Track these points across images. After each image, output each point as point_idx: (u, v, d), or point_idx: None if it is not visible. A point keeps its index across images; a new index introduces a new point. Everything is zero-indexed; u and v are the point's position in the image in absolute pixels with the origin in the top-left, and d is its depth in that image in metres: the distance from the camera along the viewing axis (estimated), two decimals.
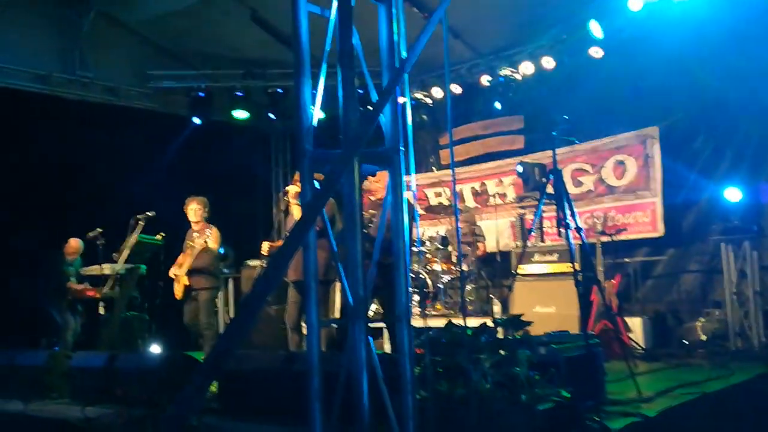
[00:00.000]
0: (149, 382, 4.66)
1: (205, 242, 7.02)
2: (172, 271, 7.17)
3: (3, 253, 8.70)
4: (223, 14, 9.53)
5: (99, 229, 8.11)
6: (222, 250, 11.18)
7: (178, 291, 7.08)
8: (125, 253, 7.59)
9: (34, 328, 8.71)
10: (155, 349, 7.77)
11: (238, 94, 10.81)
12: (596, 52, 8.89)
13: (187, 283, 7.00)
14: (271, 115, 11.06)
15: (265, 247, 6.71)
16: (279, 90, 10.75)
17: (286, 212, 6.71)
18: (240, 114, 10.96)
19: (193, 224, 7.25)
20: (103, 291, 8.01)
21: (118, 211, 8.28)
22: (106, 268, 7.96)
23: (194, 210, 7.23)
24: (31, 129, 9.01)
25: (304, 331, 6.29)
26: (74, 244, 8.55)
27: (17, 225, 8.92)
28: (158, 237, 7.90)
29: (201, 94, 10.68)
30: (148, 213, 7.70)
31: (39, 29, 9.63)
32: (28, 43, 9.52)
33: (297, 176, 6.53)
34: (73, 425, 4.67)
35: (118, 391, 4.23)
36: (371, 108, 2.90)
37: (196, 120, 10.80)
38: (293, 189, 6.29)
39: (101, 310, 8.19)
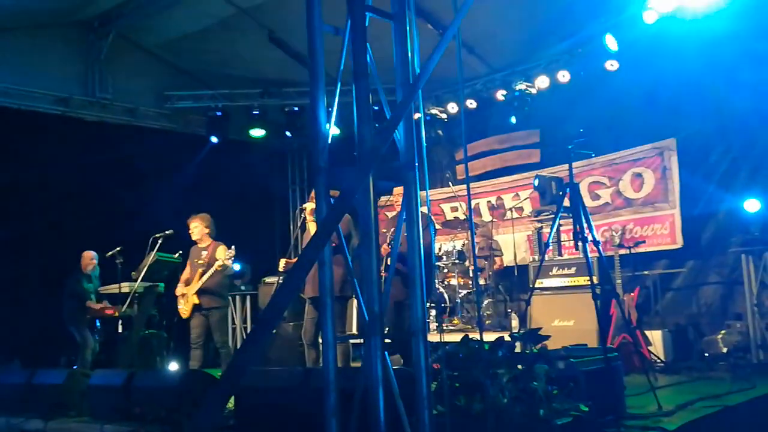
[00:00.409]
0: (167, 400, 4.67)
1: (223, 261, 6.94)
2: (179, 290, 7.13)
3: (22, 273, 8.82)
4: (240, 35, 9.65)
5: (118, 248, 8.19)
6: (240, 267, 11.28)
7: (186, 310, 7.01)
8: (143, 271, 7.65)
9: (53, 346, 8.80)
10: (173, 366, 7.80)
11: (255, 113, 10.92)
12: (611, 65, 8.89)
13: (197, 302, 6.95)
14: (288, 133, 11.14)
15: (282, 263, 6.72)
16: (295, 108, 10.85)
17: (303, 229, 6.72)
18: (257, 132, 11.07)
19: (198, 242, 7.22)
20: (122, 309, 8.07)
21: (136, 230, 8.35)
22: (125, 287, 8.02)
23: (196, 227, 7.17)
24: (51, 150, 9.14)
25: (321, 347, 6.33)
26: (88, 255, 8.66)
27: (37, 245, 9.04)
28: (176, 256, 7.95)
29: (218, 113, 10.81)
30: (166, 232, 7.76)
31: (60, 52, 9.81)
32: (49, 66, 9.70)
33: (314, 193, 6.56)
34: None
35: (137, 409, 4.25)
36: (386, 124, 2.93)
37: (214, 139, 10.91)
38: (310, 206, 6.31)
39: (120, 329, 8.24)
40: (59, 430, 5.19)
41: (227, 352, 7.02)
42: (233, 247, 7.06)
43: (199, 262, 7.03)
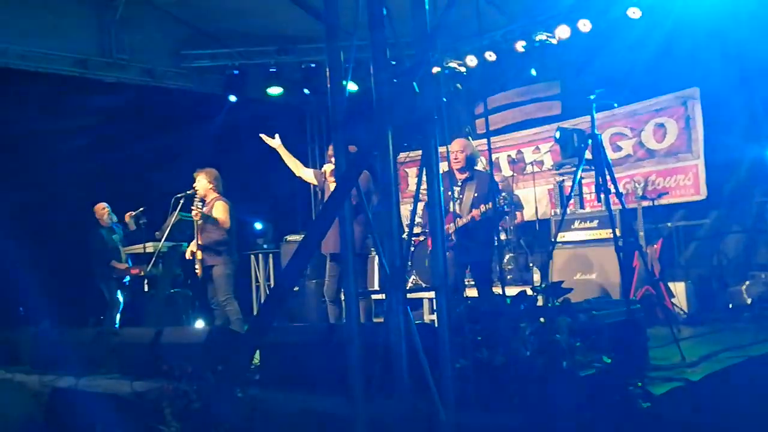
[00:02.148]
0: (194, 356, 4.74)
1: (210, 213, 6.79)
2: (189, 250, 7.12)
3: (45, 234, 8.95)
4: None
5: (141, 208, 8.25)
6: (261, 226, 11.35)
7: (199, 268, 6.99)
8: (167, 231, 7.71)
9: (81, 306, 8.96)
10: (199, 324, 7.92)
11: (272, 70, 10.85)
12: (634, 13, 8.69)
13: (201, 257, 6.89)
14: (306, 91, 11.07)
15: None
16: (312, 65, 10.75)
17: (323, 190, 6.71)
18: (274, 90, 11.01)
19: (203, 197, 7.10)
20: (147, 269, 8.16)
21: (158, 191, 8.41)
22: (149, 247, 8.10)
23: (200, 182, 7.08)
24: (71, 112, 9.17)
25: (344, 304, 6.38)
26: (99, 207, 8.86)
27: (58, 207, 9.14)
28: None
29: (235, 71, 10.76)
30: (188, 191, 7.78)
31: (75, 14, 9.76)
32: (65, 28, 9.66)
33: (330, 150, 6.54)
34: (124, 399, 4.80)
35: (164, 365, 4.32)
36: (402, 78, 2.90)
37: (232, 98, 10.88)
38: (329, 167, 6.29)
39: (146, 288, 8.36)
40: (90, 386, 5.29)
41: (233, 309, 6.91)
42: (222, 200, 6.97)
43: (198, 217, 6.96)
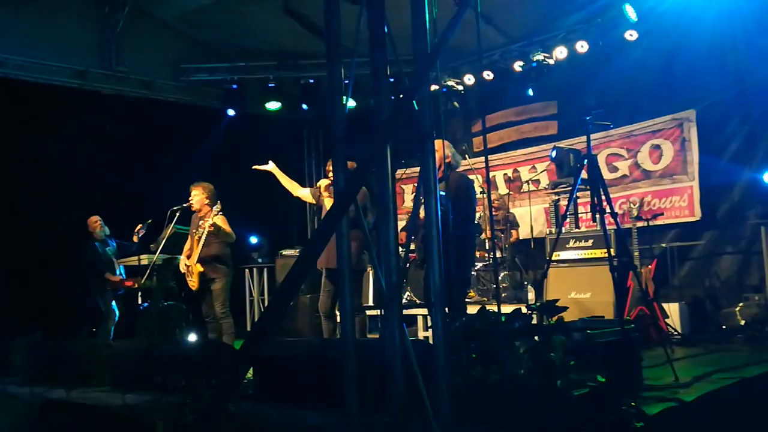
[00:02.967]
0: (187, 370, 4.73)
1: (213, 222, 6.81)
2: (182, 264, 7.12)
3: (41, 245, 8.93)
4: (255, 6, 9.60)
5: (149, 220, 8.19)
6: (257, 240, 11.33)
7: (193, 282, 7.00)
8: (162, 244, 7.70)
9: (74, 317, 8.94)
10: (192, 337, 7.89)
11: (271, 85, 10.90)
12: (631, 35, 8.77)
13: (202, 270, 6.93)
14: (304, 106, 11.11)
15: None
16: (311, 81, 10.80)
17: (318, 206, 6.72)
18: (272, 105, 11.06)
19: (197, 212, 7.16)
20: (141, 281, 8.15)
21: (154, 203, 8.40)
22: (144, 259, 8.09)
23: (196, 196, 7.09)
24: (69, 123, 9.18)
25: (338, 319, 6.37)
26: (92, 219, 8.82)
27: (54, 218, 9.13)
28: None
29: (234, 86, 10.80)
30: (183, 204, 7.79)
31: (76, 25, 9.82)
32: (65, 40, 9.71)
33: (329, 165, 6.56)
34: (114, 412, 4.77)
35: (157, 378, 4.31)
36: (402, 96, 2.92)
37: (231, 111, 10.92)
38: (324, 182, 6.33)
39: (139, 300, 8.34)
40: (82, 398, 5.27)
41: (229, 323, 6.97)
42: (218, 202, 6.98)
43: (197, 231, 7.01)
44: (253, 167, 6.85)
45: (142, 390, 4.95)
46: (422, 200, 5.66)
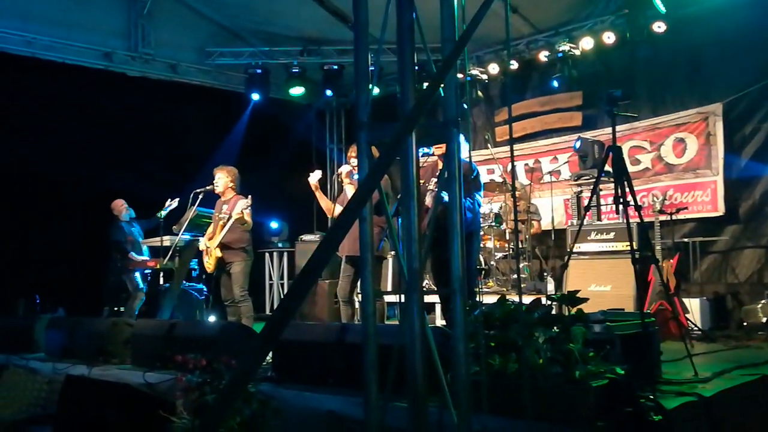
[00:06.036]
0: (207, 350, 4.78)
1: (242, 212, 6.86)
2: (202, 245, 7.20)
3: (65, 226, 9.05)
4: None
5: (177, 198, 8.28)
6: (277, 225, 11.40)
7: (210, 264, 7.09)
8: (184, 225, 7.77)
9: (97, 296, 9.06)
10: (212, 319, 7.97)
11: (295, 71, 10.92)
12: (659, 27, 8.68)
13: (220, 255, 7.01)
14: (328, 92, 11.13)
15: None
16: (334, 67, 10.81)
17: (340, 191, 6.73)
18: (296, 90, 11.08)
19: (221, 195, 7.22)
20: (163, 262, 8.23)
21: (177, 185, 8.47)
22: (166, 240, 8.17)
23: (220, 179, 7.15)
24: (94, 104, 9.27)
25: (356, 305, 6.41)
26: (117, 203, 8.98)
27: (79, 199, 9.23)
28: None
29: (258, 70, 10.84)
30: (207, 187, 7.84)
31: (103, 7, 9.89)
32: (93, 21, 9.78)
33: (351, 151, 6.57)
34: (136, 389, 4.83)
35: (178, 358, 4.35)
36: (428, 84, 2.90)
37: (255, 96, 10.96)
38: (345, 168, 6.34)
39: (161, 281, 8.43)
40: (103, 375, 5.34)
41: (248, 306, 7.04)
42: (249, 196, 7.01)
43: (220, 215, 7.06)
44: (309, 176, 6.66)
45: (162, 369, 5.00)
46: (431, 188, 5.63)
